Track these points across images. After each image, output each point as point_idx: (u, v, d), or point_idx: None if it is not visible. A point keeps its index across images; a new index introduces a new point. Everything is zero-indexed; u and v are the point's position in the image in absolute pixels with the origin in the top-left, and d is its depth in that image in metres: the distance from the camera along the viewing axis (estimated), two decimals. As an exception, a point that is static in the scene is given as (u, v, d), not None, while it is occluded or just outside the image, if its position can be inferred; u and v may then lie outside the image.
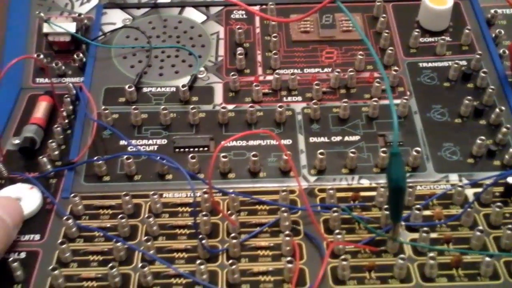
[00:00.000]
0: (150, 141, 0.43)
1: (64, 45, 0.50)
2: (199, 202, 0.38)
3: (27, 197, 0.39)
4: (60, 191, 0.40)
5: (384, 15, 0.49)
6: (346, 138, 0.42)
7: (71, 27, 0.49)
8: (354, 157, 0.40)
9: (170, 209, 0.38)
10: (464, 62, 0.46)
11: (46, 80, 0.48)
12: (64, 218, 0.37)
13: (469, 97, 0.43)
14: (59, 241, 0.36)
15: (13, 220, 0.35)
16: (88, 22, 0.51)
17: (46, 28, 0.50)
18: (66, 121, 0.45)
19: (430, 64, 0.47)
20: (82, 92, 0.45)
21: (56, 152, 0.42)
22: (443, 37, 0.48)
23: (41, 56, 0.49)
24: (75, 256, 0.36)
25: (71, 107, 0.45)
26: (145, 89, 0.46)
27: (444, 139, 0.42)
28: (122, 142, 0.43)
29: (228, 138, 0.38)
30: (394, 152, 0.33)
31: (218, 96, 0.46)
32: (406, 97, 0.43)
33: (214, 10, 0.52)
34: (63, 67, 0.49)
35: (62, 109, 0.45)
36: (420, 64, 0.47)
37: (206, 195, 0.38)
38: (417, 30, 0.48)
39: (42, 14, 0.51)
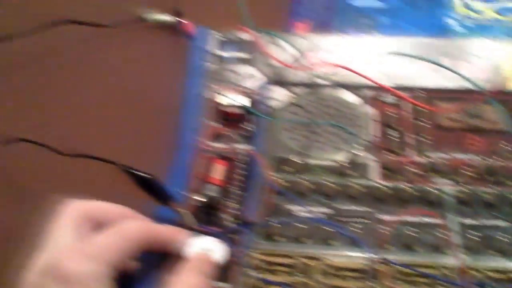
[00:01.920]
0: (315, 209, 0.49)
1: (235, 115, 0.57)
2: (364, 269, 0.43)
3: (214, 249, 0.45)
4: (240, 246, 0.46)
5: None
6: (496, 223, 0.47)
7: (244, 100, 0.57)
8: (503, 241, 0.44)
9: (337, 272, 0.44)
10: None
11: (218, 144, 0.55)
12: (247, 270, 0.43)
13: None
14: (248, 291, 0.42)
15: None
16: (254, 96, 0.59)
17: (220, 99, 0.57)
18: (241, 184, 0.51)
19: None
20: (255, 159, 0.52)
21: (234, 211, 0.49)
22: None
23: (215, 123, 0.56)
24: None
25: (243, 171, 0.52)
26: (308, 161, 0.53)
27: None
28: (290, 207, 0.49)
29: (384, 212, 0.44)
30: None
31: (373, 173, 0.51)
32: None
33: (367, 93, 0.58)
34: (234, 135, 0.56)
35: (235, 172, 0.52)
36: None
37: (371, 263, 0.43)
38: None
39: (216, 87, 0.59)
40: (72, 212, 0.41)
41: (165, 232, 0.44)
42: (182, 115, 0.58)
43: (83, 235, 0.41)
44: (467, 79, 0.57)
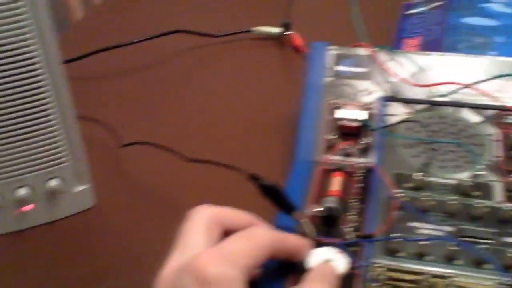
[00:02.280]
0: (437, 227, 0.48)
1: (352, 129, 0.57)
2: (494, 291, 0.43)
3: (336, 259, 0.46)
4: (360, 259, 0.46)
5: None
6: None
7: (363, 115, 0.57)
8: None
9: (463, 292, 0.43)
10: None
11: (335, 157, 0.56)
12: (372, 283, 0.43)
13: None
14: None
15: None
16: (372, 111, 0.59)
17: (338, 113, 0.58)
18: (359, 197, 0.52)
19: None
20: (376, 173, 0.52)
21: (354, 224, 0.49)
22: None
23: (333, 136, 0.57)
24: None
25: (361, 185, 0.52)
26: (429, 178, 0.52)
27: None
28: (412, 224, 0.49)
29: (509, 234, 0.44)
30: None
31: (498, 194, 0.50)
32: None
33: (488, 113, 0.57)
34: (351, 149, 0.56)
35: (353, 185, 0.52)
36: None
37: (502, 286, 0.42)
38: None
39: (334, 101, 0.59)
40: (205, 217, 0.43)
41: (291, 241, 0.45)
42: (299, 128, 0.59)
43: (214, 239, 0.42)
44: None
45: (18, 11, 0.46)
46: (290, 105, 0.65)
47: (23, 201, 0.53)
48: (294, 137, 0.58)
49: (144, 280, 0.39)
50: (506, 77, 0.59)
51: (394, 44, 0.77)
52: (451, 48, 0.74)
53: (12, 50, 0.46)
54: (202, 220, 0.43)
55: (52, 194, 0.54)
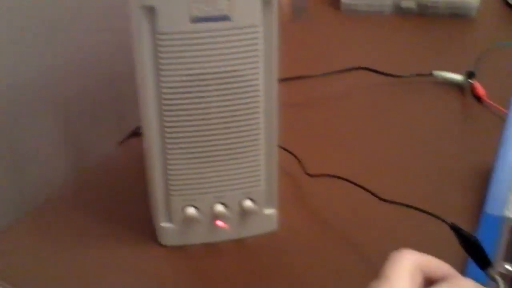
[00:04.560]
0: None
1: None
2: None
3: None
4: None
5: None
6: None
7: None
8: None
9: None
10: None
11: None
12: None
13: None
14: None
15: None
16: None
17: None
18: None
19: None
20: None
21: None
22: None
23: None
24: None
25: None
26: None
27: None
28: None
29: None
30: None
31: None
32: None
33: None
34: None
35: None
36: None
37: None
38: None
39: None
40: (410, 262, 0.43)
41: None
42: (491, 181, 0.58)
43: (417, 286, 0.42)
44: None
45: (255, 35, 0.48)
46: (478, 157, 0.64)
47: (218, 216, 0.57)
48: (484, 189, 0.58)
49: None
50: None
51: None
52: None
53: (242, 76, 0.49)
54: (408, 266, 0.43)
55: (244, 213, 0.57)
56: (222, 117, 0.51)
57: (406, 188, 0.63)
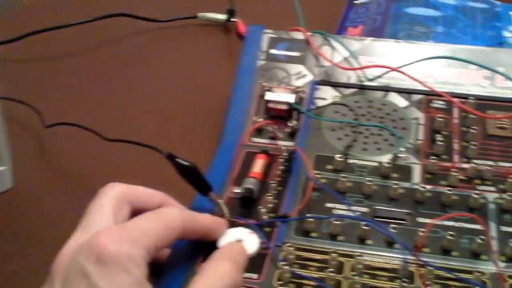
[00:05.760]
0: (353, 208, 0.48)
1: (281, 112, 0.57)
2: (398, 269, 0.43)
3: (248, 239, 0.45)
4: (274, 239, 0.46)
5: None
6: (538, 233, 0.45)
7: (290, 98, 0.57)
8: (544, 251, 0.43)
9: (371, 271, 0.43)
10: None
11: (262, 140, 0.56)
12: (281, 263, 0.43)
13: None
14: (275, 283, 0.42)
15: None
16: (302, 94, 0.59)
17: (268, 96, 0.58)
18: (280, 179, 0.51)
19: None
20: (297, 155, 0.52)
21: (271, 205, 0.49)
22: None
23: (260, 119, 0.57)
24: (286, 298, 0.42)
25: (284, 167, 0.52)
26: (350, 161, 0.52)
27: None
28: (328, 205, 0.49)
29: (424, 216, 0.45)
30: None
31: (416, 176, 0.51)
32: None
33: (416, 97, 0.58)
34: (279, 131, 0.56)
35: (276, 168, 0.52)
36: None
37: (407, 264, 0.43)
38: None
39: (265, 84, 0.59)
40: (113, 195, 0.42)
41: (203, 221, 0.44)
42: (228, 110, 0.59)
43: (123, 218, 0.41)
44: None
45: None
46: (227, 89, 0.64)
47: None
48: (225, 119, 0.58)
49: (48, 261, 0.38)
50: (436, 63, 0.60)
51: (336, 32, 0.77)
52: (392, 36, 0.74)
53: None
54: (110, 198, 0.42)
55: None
56: None
57: (156, 129, 0.62)
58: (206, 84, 0.70)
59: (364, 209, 0.48)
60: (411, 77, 0.58)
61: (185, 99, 0.68)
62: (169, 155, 0.47)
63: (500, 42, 0.74)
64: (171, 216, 0.41)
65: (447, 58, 0.60)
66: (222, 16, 0.83)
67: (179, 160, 0.46)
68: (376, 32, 0.76)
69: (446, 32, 0.75)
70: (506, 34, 0.76)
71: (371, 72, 0.60)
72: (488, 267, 0.43)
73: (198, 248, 0.45)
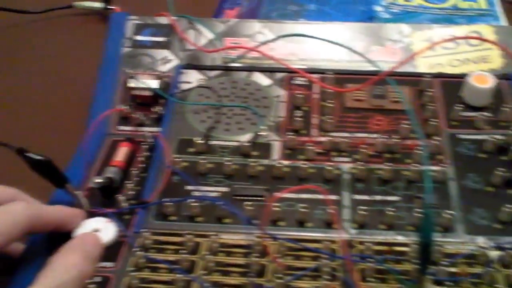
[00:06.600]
0: (213, 188, 0.49)
1: (145, 98, 0.57)
2: (252, 244, 0.44)
3: (104, 229, 0.45)
4: (133, 226, 0.46)
5: (431, 89, 0.55)
6: (387, 198, 0.47)
7: (154, 84, 0.57)
8: (392, 215, 0.45)
9: (226, 249, 0.44)
10: (501, 137, 0.50)
11: (128, 128, 0.55)
12: (135, 249, 0.43)
13: (502, 169, 0.47)
14: (129, 269, 0.42)
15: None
16: (167, 79, 0.59)
17: (131, 83, 0.57)
18: (143, 165, 0.51)
19: (469, 136, 0.51)
20: (159, 141, 0.52)
21: (132, 192, 0.49)
22: (483, 112, 0.52)
23: (125, 107, 0.56)
24: (142, 283, 0.42)
25: (147, 153, 0.52)
26: (212, 142, 0.53)
27: (476, 205, 0.46)
28: (189, 187, 0.49)
29: (282, 190, 0.44)
30: (426, 212, 0.38)
31: (276, 153, 0.52)
32: (443, 165, 0.48)
33: (278, 75, 0.59)
34: (143, 118, 0.56)
35: (139, 155, 0.52)
36: (460, 136, 0.52)
37: (258, 239, 0.43)
38: (460, 105, 0.53)
39: (129, 71, 0.59)
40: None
41: (54, 214, 0.44)
42: (93, 101, 0.58)
43: None
44: (369, 61, 0.58)
45: None
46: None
47: None
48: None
49: None
50: (299, 40, 0.61)
51: (213, 15, 0.77)
52: (266, 16, 0.75)
53: None
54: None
55: None
56: None
57: (17, 126, 0.60)
58: (80, 75, 0.69)
59: (224, 189, 0.49)
60: (268, 56, 0.59)
61: (57, 93, 0.66)
62: (19, 149, 0.46)
63: (370, 17, 0.76)
64: (14, 211, 0.40)
65: (293, 35, 0.61)
66: (98, 4, 0.82)
67: (29, 155, 0.45)
68: (252, 13, 0.76)
69: (319, 10, 0.76)
70: (377, 8, 0.78)
71: (236, 53, 0.60)
72: (341, 235, 0.44)
73: (58, 241, 0.44)
